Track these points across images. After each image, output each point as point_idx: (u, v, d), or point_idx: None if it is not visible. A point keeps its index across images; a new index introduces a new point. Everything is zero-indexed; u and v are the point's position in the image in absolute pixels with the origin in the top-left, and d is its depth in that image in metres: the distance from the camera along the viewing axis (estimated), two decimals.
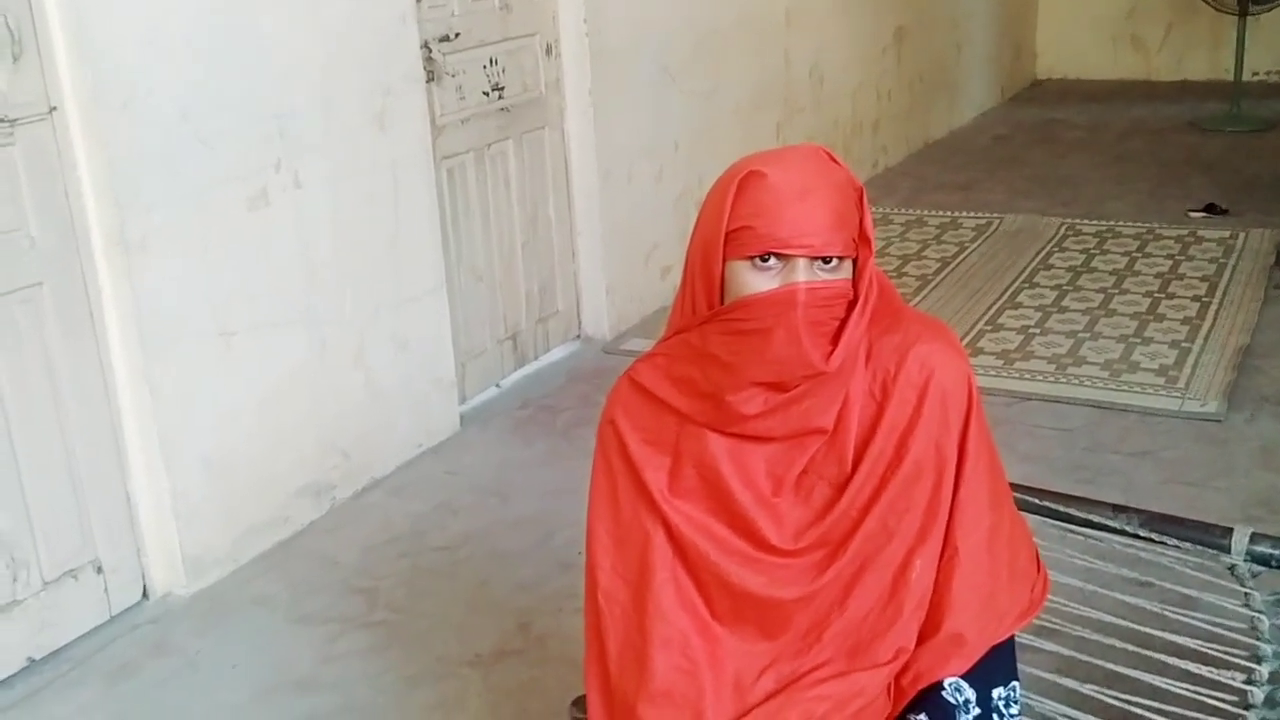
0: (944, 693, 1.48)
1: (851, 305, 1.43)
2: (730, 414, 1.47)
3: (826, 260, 1.40)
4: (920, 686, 1.49)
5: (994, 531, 1.51)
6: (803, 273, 1.39)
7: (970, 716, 1.48)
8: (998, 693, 1.51)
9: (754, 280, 1.41)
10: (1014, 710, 1.52)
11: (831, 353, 1.41)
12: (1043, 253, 5.27)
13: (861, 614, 1.50)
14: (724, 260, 1.43)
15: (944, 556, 1.49)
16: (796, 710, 1.49)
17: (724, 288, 1.44)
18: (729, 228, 1.41)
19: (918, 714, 1.49)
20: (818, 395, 1.45)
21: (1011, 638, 1.55)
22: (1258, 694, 1.82)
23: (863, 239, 1.43)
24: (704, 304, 1.46)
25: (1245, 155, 6.71)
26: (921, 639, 1.50)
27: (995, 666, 1.51)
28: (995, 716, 1.50)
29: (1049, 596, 1.61)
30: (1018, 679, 1.54)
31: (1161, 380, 3.93)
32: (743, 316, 1.42)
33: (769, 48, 5.49)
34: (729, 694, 1.52)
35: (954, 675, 1.48)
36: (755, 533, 1.50)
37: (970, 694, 1.49)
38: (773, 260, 1.39)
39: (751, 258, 1.40)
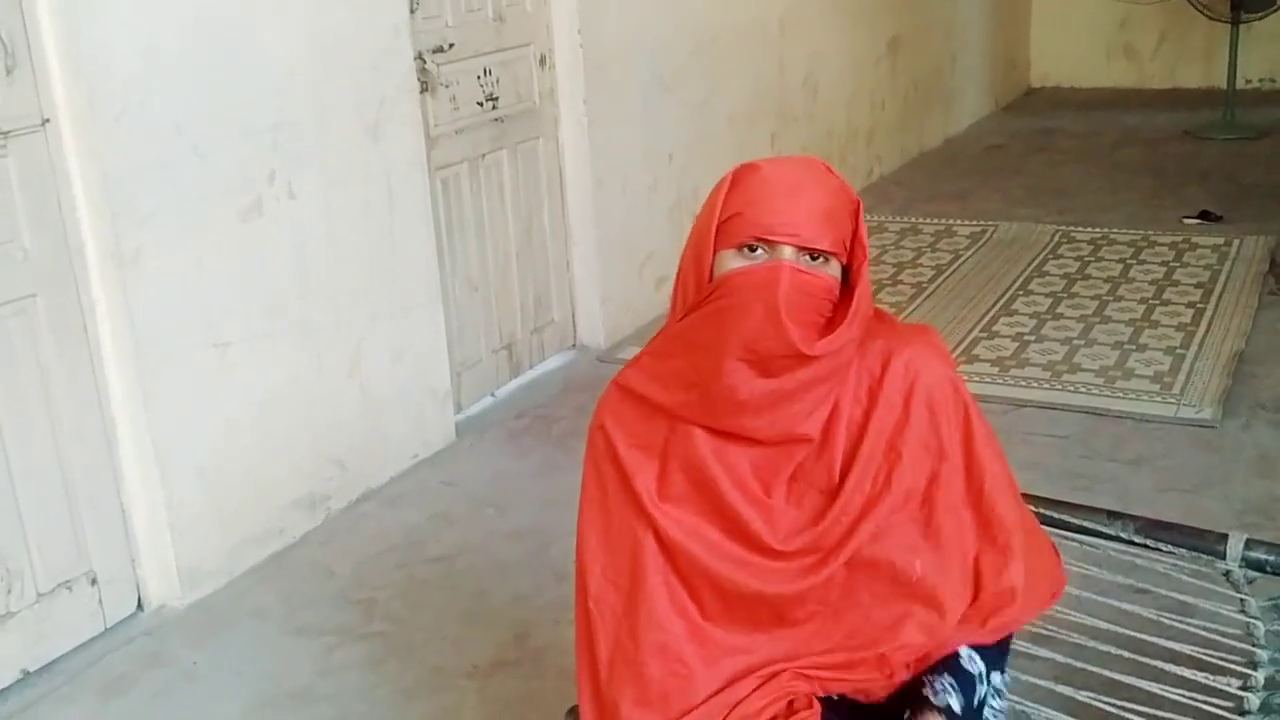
0: (961, 660, 1.50)
1: (843, 305, 1.45)
2: (720, 401, 1.46)
3: (814, 256, 1.42)
4: (948, 650, 1.51)
5: (1021, 517, 1.56)
6: (788, 259, 1.42)
7: (982, 689, 1.50)
8: (996, 677, 1.54)
9: (741, 266, 1.43)
10: (999, 704, 1.55)
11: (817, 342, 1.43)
12: (1037, 260, 5.28)
13: (861, 614, 1.51)
14: (715, 251, 1.45)
15: (987, 539, 1.52)
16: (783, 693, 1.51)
17: (712, 278, 1.46)
18: (720, 218, 1.44)
19: (939, 674, 1.50)
20: (803, 399, 1.45)
21: (1010, 635, 1.58)
22: (1253, 700, 1.82)
23: (858, 245, 1.46)
24: (694, 297, 1.49)
25: (1239, 162, 6.72)
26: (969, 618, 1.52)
27: (1001, 652, 1.56)
28: (992, 697, 1.53)
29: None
30: (1007, 669, 1.60)
31: (1156, 387, 3.94)
32: (725, 292, 1.44)
33: (763, 58, 5.50)
34: (723, 693, 1.52)
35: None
36: (748, 532, 1.50)
37: (982, 667, 1.51)
38: (760, 250, 1.42)
39: (739, 246, 1.43)
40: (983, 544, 1.53)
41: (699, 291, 1.47)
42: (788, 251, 1.42)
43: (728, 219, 1.44)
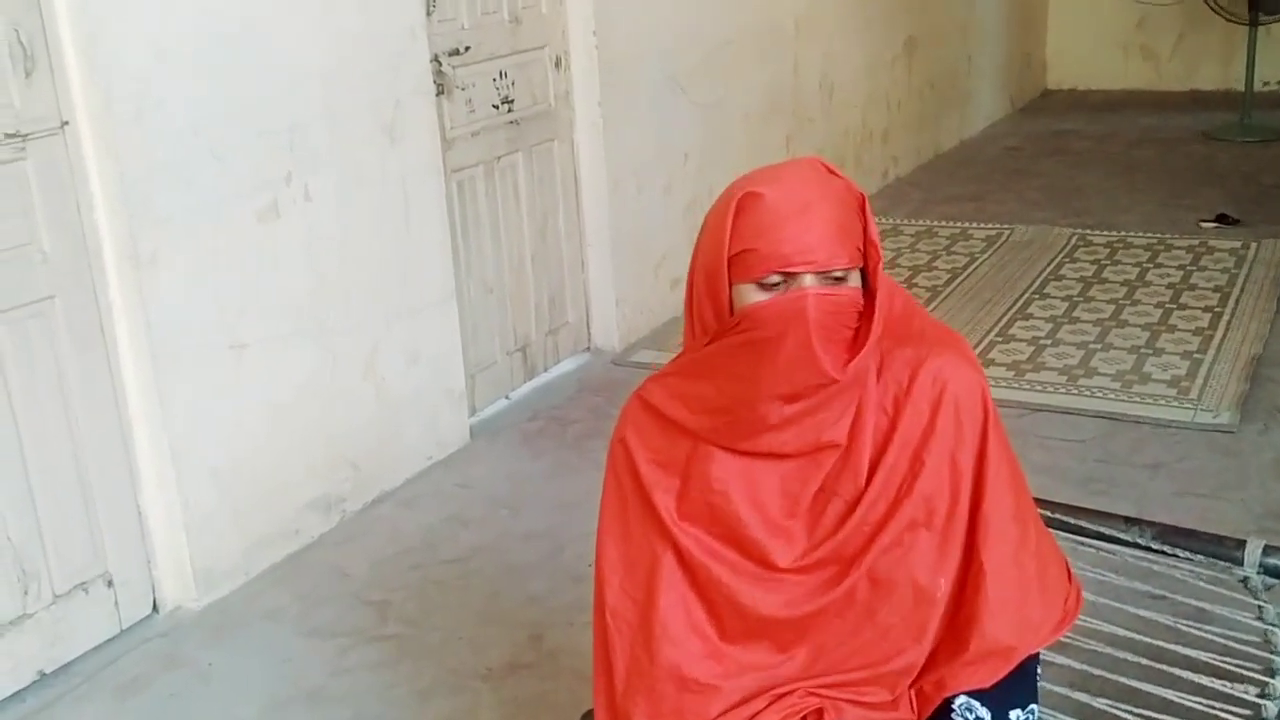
0: (954, 713, 1.47)
1: (866, 315, 1.42)
2: (749, 425, 1.45)
3: (833, 273, 1.39)
4: (946, 692, 1.48)
5: (1020, 545, 1.49)
6: (810, 285, 1.39)
7: None
8: (1016, 714, 1.49)
9: (763, 300, 1.40)
10: None
11: (848, 361, 1.40)
12: (1053, 263, 5.26)
13: (880, 630, 1.49)
14: (730, 284, 1.42)
15: (969, 572, 1.47)
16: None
17: (732, 310, 1.43)
18: (731, 251, 1.40)
19: None
20: (830, 408, 1.43)
21: (1036, 661, 1.53)
22: (1271, 708, 1.81)
23: (869, 245, 1.42)
24: (714, 325, 1.46)
25: (1256, 165, 6.69)
26: (949, 656, 1.48)
27: (1015, 687, 1.49)
28: None
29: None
30: (1037, 701, 1.52)
31: (1174, 391, 3.92)
32: (752, 325, 1.41)
33: (778, 58, 5.49)
34: (737, 710, 1.51)
35: (985, 683, 1.46)
36: (764, 557, 1.49)
37: (984, 713, 1.47)
38: (779, 279, 1.39)
39: (757, 280, 1.39)
40: (964, 585, 1.48)
41: (720, 321, 1.44)
42: (808, 279, 1.38)
43: (739, 253, 1.39)
